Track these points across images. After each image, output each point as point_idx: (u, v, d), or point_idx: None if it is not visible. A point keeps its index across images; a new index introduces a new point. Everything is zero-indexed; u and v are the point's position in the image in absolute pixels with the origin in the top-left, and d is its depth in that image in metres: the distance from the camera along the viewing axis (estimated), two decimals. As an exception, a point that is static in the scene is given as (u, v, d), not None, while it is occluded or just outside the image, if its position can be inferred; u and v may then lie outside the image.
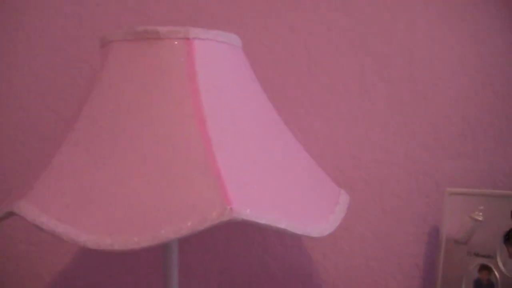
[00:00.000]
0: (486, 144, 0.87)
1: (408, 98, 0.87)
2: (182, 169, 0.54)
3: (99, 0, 0.88)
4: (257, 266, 0.88)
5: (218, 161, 0.54)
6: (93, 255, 0.89)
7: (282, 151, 0.63)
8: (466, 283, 0.79)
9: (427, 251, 0.87)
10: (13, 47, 0.88)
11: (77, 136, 0.60)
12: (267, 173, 0.58)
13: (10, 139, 0.89)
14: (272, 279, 0.88)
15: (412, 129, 0.87)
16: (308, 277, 0.88)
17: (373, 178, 0.88)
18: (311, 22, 0.87)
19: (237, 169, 0.55)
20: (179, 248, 0.71)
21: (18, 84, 0.88)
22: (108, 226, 0.52)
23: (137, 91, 0.59)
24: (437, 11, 0.87)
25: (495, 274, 0.78)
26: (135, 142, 0.57)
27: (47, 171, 0.58)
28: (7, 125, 0.89)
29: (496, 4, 0.86)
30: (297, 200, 0.59)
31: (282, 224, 0.53)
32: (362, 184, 0.88)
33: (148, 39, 0.61)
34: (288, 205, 0.57)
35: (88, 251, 0.88)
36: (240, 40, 0.68)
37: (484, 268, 0.78)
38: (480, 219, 0.79)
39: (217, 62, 0.62)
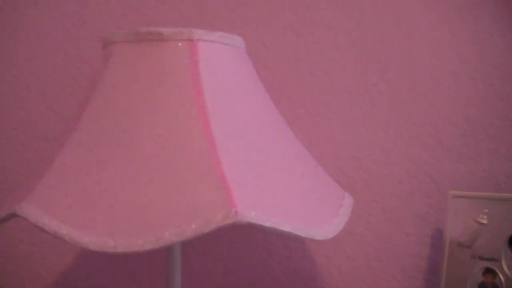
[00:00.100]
0: (487, 145, 0.86)
1: (409, 98, 0.87)
2: (186, 171, 0.54)
3: (100, 0, 0.88)
4: (261, 269, 0.88)
5: (222, 163, 0.54)
6: (94, 257, 0.89)
7: (286, 153, 0.63)
8: (470, 287, 0.78)
9: (430, 253, 0.87)
10: (13, 47, 0.88)
11: (79, 137, 0.60)
12: (271, 175, 0.58)
13: (10, 139, 0.89)
14: (276, 282, 0.88)
15: (412, 129, 0.87)
16: (311, 280, 0.88)
17: (374, 178, 0.87)
18: (313, 23, 0.87)
19: (241, 171, 0.55)
20: (182, 251, 0.71)
21: (18, 84, 0.88)
22: (111, 228, 0.52)
23: (140, 92, 0.59)
24: (437, 11, 0.86)
25: (499, 278, 0.77)
26: (138, 144, 0.56)
27: (49, 171, 0.58)
28: (7, 125, 0.89)
29: (496, 4, 0.86)
30: (301, 202, 0.59)
31: (287, 227, 0.53)
32: (362, 185, 0.87)
33: (151, 41, 0.61)
34: (292, 208, 0.57)
35: (90, 253, 0.88)
36: (244, 42, 0.68)
37: (488, 271, 0.78)
38: (485, 222, 0.79)
39: (221, 64, 0.62)
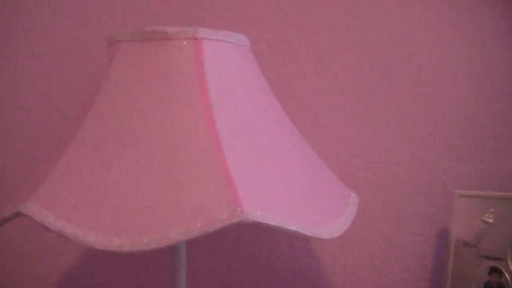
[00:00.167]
0: (492, 144, 0.86)
1: (413, 98, 0.87)
2: (191, 170, 0.53)
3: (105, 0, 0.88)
4: (265, 268, 0.88)
5: (228, 161, 0.54)
6: (99, 256, 0.89)
7: (291, 152, 0.63)
8: (476, 286, 0.78)
9: (436, 253, 0.86)
10: (16, 46, 0.88)
11: (84, 136, 0.60)
12: (276, 174, 0.58)
13: (13, 139, 0.89)
14: (281, 281, 0.88)
15: (417, 129, 0.87)
16: (316, 279, 0.88)
17: (379, 178, 0.87)
18: (314, 23, 0.87)
19: (247, 170, 0.55)
20: (186, 250, 0.71)
21: (22, 84, 0.88)
22: (116, 227, 0.52)
23: (145, 91, 0.59)
24: (438, 12, 0.86)
25: (505, 277, 0.77)
26: (143, 143, 0.56)
27: (53, 171, 0.58)
28: (11, 125, 0.89)
29: (496, 4, 0.86)
30: (307, 201, 0.59)
31: (293, 226, 0.53)
32: (368, 184, 0.87)
33: (156, 40, 0.61)
34: (298, 207, 0.57)
35: (94, 252, 0.88)
36: (248, 40, 0.68)
37: (494, 270, 0.78)
38: (490, 221, 0.78)
39: (226, 63, 0.62)
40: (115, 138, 0.58)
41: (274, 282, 0.88)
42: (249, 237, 0.88)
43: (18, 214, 0.55)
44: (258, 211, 0.50)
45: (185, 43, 0.60)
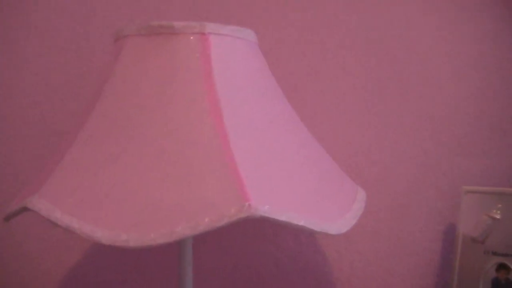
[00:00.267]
0: (500, 140, 0.86)
1: (421, 95, 0.87)
2: (199, 165, 0.53)
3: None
4: (272, 264, 0.88)
5: (235, 157, 0.54)
6: (105, 251, 0.88)
7: (299, 147, 0.63)
8: (484, 282, 0.78)
9: (443, 249, 0.86)
10: (23, 43, 0.88)
11: (90, 130, 0.59)
12: (284, 170, 0.58)
13: (22, 134, 0.89)
14: (287, 277, 0.88)
15: (425, 125, 0.87)
16: (323, 275, 0.88)
17: (386, 174, 0.87)
18: (323, 20, 0.87)
19: (255, 165, 0.55)
20: (192, 246, 0.71)
21: (29, 80, 0.88)
22: (123, 222, 0.52)
23: (152, 86, 0.59)
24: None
25: (513, 273, 0.77)
26: (150, 138, 0.56)
27: (60, 166, 0.58)
28: (19, 121, 0.89)
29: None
30: (314, 197, 0.58)
31: (301, 221, 0.53)
32: (374, 181, 0.87)
33: (163, 34, 0.60)
34: (306, 202, 0.56)
35: (100, 247, 0.88)
36: (255, 36, 0.67)
37: (502, 267, 0.77)
38: (498, 217, 0.78)
39: (233, 58, 0.62)
40: (122, 133, 0.57)
41: (280, 278, 0.88)
42: (255, 233, 0.88)
43: (25, 209, 0.55)
44: (266, 206, 0.50)
45: (192, 38, 0.60)
